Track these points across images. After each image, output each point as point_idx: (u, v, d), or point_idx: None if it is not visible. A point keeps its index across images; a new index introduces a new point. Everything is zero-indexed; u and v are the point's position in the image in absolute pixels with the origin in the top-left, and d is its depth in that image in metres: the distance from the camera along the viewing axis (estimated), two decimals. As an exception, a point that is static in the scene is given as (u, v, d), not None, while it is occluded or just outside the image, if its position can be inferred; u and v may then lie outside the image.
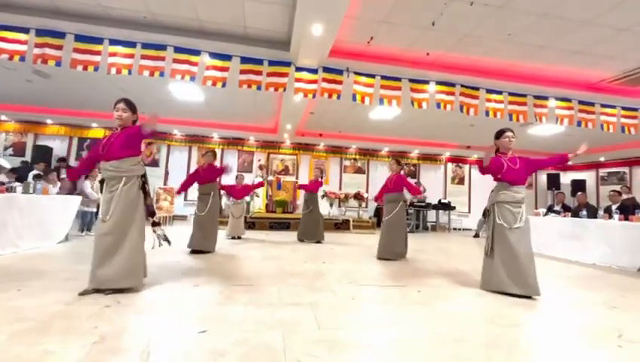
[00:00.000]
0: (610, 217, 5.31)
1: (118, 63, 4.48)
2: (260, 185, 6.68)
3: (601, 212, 5.74)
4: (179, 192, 4.87)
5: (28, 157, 8.94)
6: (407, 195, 5.07)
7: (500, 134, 3.23)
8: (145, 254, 2.72)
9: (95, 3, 4.13)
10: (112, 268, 2.43)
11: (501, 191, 3.12)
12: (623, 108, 6.09)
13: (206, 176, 4.69)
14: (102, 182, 2.64)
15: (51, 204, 4.59)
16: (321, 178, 6.61)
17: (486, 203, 3.31)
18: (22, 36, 4.33)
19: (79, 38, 4.42)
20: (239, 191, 6.32)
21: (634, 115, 6.12)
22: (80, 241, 5.00)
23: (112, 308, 2.16)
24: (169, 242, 3.00)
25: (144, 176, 2.71)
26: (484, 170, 3.16)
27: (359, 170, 11.52)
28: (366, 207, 10.96)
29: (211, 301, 2.43)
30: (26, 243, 4.03)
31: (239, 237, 6.22)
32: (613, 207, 5.80)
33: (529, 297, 2.81)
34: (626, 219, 5.02)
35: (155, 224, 2.84)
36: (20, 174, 5.78)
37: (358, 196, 10.52)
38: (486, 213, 3.27)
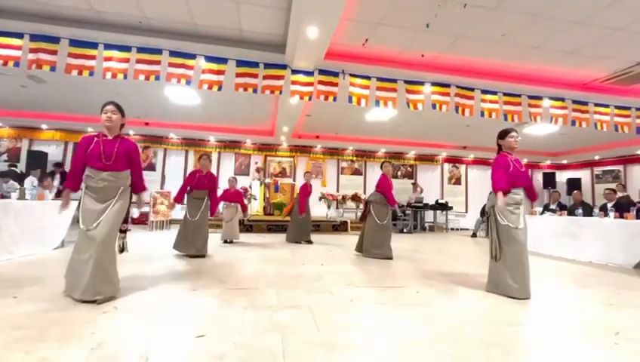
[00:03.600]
0: (606, 215, 5.35)
1: (113, 68, 4.48)
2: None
3: (596, 210, 5.78)
4: (178, 200, 4.65)
5: (23, 163, 8.87)
6: (402, 197, 5.11)
7: (504, 134, 3.18)
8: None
9: (89, 7, 4.12)
10: (104, 277, 2.38)
11: None
12: (616, 107, 6.17)
13: (205, 183, 4.63)
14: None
15: (47, 209, 4.55)
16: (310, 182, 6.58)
17: (482, 202, 3.31)
18: (16, 41, 4.32)
19: (74, 42, 4.41)
20: (231, 195, 6.20)
21: (627, 113, 6.20)
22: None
23: (109, 313, 2.15)
24: (125, 250, 3.04)
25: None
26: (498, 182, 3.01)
27: (356, 172, 11.54)
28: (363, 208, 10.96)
29: (209, 305, 2.42)
30: (22, 250, 3.99)
31: (232, 241, 6.04)
32: (609, 205, 5.86)
33: (526, 298, 2.81)
34: (621, 216, 5.06)
35: (121, 231, 2.78)
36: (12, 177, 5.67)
37: (355, 197, 10.52)
38: (484, 214, 3.23)
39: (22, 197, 4.37)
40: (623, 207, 5.46)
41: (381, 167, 5.12)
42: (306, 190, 6.46)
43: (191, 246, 4.40)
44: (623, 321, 2.32)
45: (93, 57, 4.45)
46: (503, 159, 3.11)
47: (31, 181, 5.37)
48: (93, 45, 4.46)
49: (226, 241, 5.98)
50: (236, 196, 6.17)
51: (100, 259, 2.37)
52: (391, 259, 4.67)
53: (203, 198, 4.59)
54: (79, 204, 2.53)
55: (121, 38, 4.50)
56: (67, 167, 8.77)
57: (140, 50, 4.56)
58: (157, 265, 3.78)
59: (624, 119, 6.21)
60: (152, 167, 10.19)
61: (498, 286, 2.96)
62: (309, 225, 6.53)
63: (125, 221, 2.73)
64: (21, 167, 8.62)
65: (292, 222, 6.51)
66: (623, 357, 1.75)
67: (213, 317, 2.17)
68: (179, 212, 9.69)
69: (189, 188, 4.63)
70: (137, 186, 2.77)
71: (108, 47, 4.50)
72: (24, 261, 3.75)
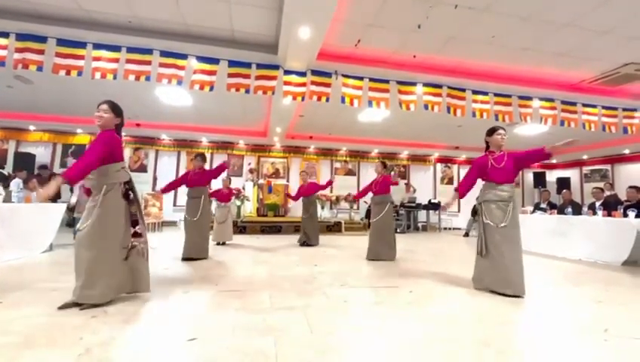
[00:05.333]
0: (594, 214, 5.45)
1: (102, 68, 4.40)
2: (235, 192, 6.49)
3: (585, 209, 5.88)
4: (163, 191, 4.49)
5: (9, 165, 8.67)
6: (394, 197, 5.05)
7: (492, 132, 3.24)
8: (123, 267, 2.50)
9: (78, 7, 4.05)
10: (92, 282, 2.29)
11: (487, 190, 3.15)
12: (604, 108, 6.29)
13: (198, 179, 4.57)
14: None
15: (34, 212, 4.46)
16: (309, 179, 6.59)
17: (474, 202, 3.35)
18: (1, 40, 4.22)
19: (62, 42, 4.32)
20: (224, 196, 6.13)
21: (614, 113, 6.32)
22: (65, 250, 4.86)
23: (98, 318, 2.10)
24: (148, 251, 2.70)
25: (129, 182, 2.55)
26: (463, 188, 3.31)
27: (350, 172, 11.56)
28: (357, 208, 10.99)
29: (202, 308, 2.40)
30: (8, 254, 3.90)
31: (224, 243, 5.97)
32: (597, 204, 5.96)
33: (518, 296, 2.82)
34: (609, 215, 5.16)
35: (135, 235, 2.57)
36: None
37: (349, 199, 10.53)
38: (475, 212, 3.31)
39: (8, 199, 4.27)
40: (610, 206, 5.56)
41: (376, 171, 5.02)
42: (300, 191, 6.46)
43: (192, 249, 4.33)
44: (611, 318, 2.36)
45: (81, 57, 4.38)
46: (481, 160, 3.24)
47: (17, 183, 5.23)
48: (82, 45, 4.38)
49: (218, 243, 5.92)
50: (228, 196, 6.14)
51: (80, 260, 2.31)
52: (394, 258, 4.68)
53: (200, 197, 4.52)
54: (67, 205, 2.48)
55: (110, 38, 4.43)
56: (55, 170, 8.62)
57: (130, 50, 4.50)
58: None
59: (611, 119, 6.33)
60: (143, 169, 10.06)
61: (481, 281, 3.06)
62: (309, 226, 6.30)
63: (133, 223, 2.55)
64: (8, 169, 8.43)
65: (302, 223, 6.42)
66: (612, 354, 1.78)
67: (205, 320, 2.15)
68: (171, 214, 9.61)
69: (186, 188, 4.60)
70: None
71: (97, 46, 4.42)
72: (10, 265, 3.66)
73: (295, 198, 6.57)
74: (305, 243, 6.17)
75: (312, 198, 6.43)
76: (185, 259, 4.27)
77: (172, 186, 4.55)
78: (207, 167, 5.12)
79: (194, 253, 4.32)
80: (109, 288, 2.38)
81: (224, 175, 6.61)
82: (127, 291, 2.54)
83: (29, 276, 3.20)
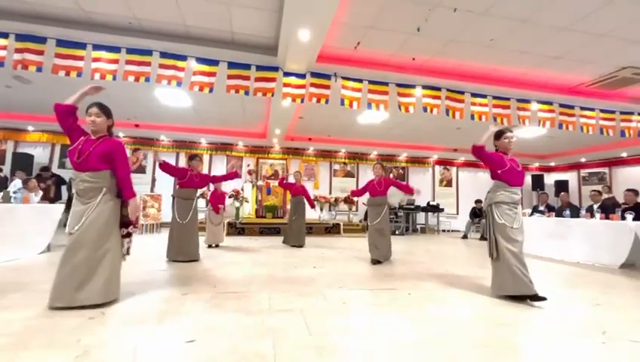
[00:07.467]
0: (592, 216, 5.46)
1: (102, 69, 4.41)
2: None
3: (583, 211, 5.90)
4: (163, 165, 4.34)
5: (7, 166, 8.65)
6: (393, 199, 5.05)
7: (499, 135, 3.12)
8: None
9: (77, 7, 4.05)
10: (91, 285, 2.29)
11: (499, 191, 3.01)
12: (602, 111, 6.32)
13: (196, 182, 4.56)
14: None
15: (32, 213, 4.44)
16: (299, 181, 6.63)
17: (473, 204, 3.33)
18: (1, 41, 4.23)
19: (61, 43, 4.33)
20: (218, 199, 6.00)
21: (612, 117, 6.36)
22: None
23: (96, 319, 2.10)
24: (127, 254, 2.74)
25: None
26: (477, 151, 3.01)
27: (349, 174, 11.57)
28: (356, 210, 10.99)
29: (200, 309, 2.39)
30: (5, 255, 3.88)
31: (217, 246, 5.89)
32: (595, 207, 5.98)
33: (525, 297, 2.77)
34: (607, 217, 5.17)
35: (126, 235, 2.63)
36: None
37: (348, 200, 10.53)
38: (476, 214, 3.24)
39: (6, 200, 4.26)
40: (608, 208, 5.57)
41: (376, 173, 4.95)
42: (289, 186, 6.47)
43: (182, 251, 4.30)
44: (609, 320, 2.37)
45: (81, 58, 4.38)
46: (499, 155, 3.08)
47: (14, 184, 5.22)
48: (81, 46, 4.38)
49: (210, 246, 5.82)
50: (222, 198, 6.10)
51: (87, 262, 2.30)
52: (380, 262, 4.60)
53: (192, 199, 4.52)
54: (65, 206, 2.47)
55: (110, 39, 4.43)
56: (54, 170, 8.59)
57: (130, 51, 4.50)
58: (146, 269, 3.72)
59: (609, 122, 6.37)
60: (142, 170, 10.04)
61: (502, 287, 2.86)
62: (297, 228, 6.34)
63: (125, 225, 2.59)
64: (6, 169, 8.40)
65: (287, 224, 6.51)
66: (609, 356, 1.78)
67: (203, 321, 2.14)
68: (169, 215, 9.57)
69: (177, 187, 4.59)
70: (122, 191, 2.53)
71: (96, 47, 4.43)
72: (8, 266, 3.65)
73: (285, 186, 6.50)
74: (292, 245, 6.17)
75: (300, 198, 6.43)
76: (173, 261, 4.24)
77: (171, 169, 4.43)
78: (205, 168, 5.06)
79: (183, 256, 4.27)
80: (118, 286, 2.49)
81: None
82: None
83: (26, 277, 3.19)
